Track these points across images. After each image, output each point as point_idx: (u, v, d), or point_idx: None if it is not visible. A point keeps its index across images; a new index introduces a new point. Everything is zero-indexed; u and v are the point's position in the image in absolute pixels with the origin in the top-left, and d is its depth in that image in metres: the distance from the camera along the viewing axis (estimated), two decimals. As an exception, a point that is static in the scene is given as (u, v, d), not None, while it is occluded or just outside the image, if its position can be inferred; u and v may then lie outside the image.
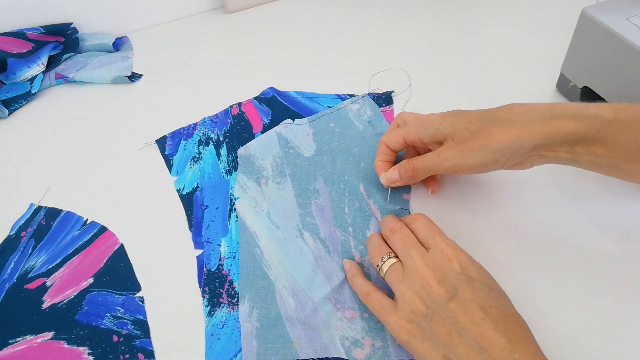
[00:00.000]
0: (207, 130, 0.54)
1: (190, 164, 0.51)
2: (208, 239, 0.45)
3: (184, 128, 0.55)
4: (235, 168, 0.50)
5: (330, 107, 0.55)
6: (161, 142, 0.54)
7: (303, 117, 0.54)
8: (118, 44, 0.68)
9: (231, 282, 0.42)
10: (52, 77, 0.64)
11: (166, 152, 0.53)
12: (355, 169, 0.47)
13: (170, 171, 0.51)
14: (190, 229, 0.46)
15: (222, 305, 0.40)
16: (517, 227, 0.43)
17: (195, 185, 0.49)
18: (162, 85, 0.62)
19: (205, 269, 0.43)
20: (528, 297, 0.38)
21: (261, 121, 0.54)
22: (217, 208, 0.47)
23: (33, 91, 0.61)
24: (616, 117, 0.35)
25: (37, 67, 0.63)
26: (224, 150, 0.52)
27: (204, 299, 0.41)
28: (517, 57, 0.60)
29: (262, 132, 0.53)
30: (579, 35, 0.48)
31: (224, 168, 0.50)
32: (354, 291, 0.39)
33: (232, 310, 0.40)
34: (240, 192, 0.47)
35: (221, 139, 0.53)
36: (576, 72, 0.51)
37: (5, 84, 0.63)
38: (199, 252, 0.44)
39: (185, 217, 0.47)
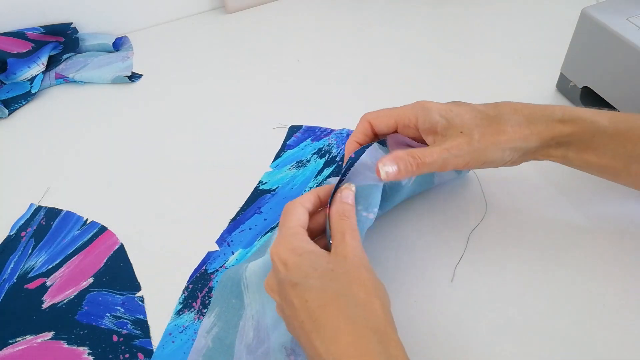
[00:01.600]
0: (335, 142, 0.52)
1: (292, 166, 0.50)
2: (231, 241, 0.44)
3: (320, 128, 0.53)
4: None
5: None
6: (292, 130, 0.53)
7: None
8: (118, 44, 0.68)
9: (210, 289, 0.41)
10: (52, 77, 0.64)
11: (288, 142, 0.52)
12: None
13: (273, 160, 0.51)
14: (229, 222, 0.45)
15: (192, 310, 0.40)
16: (517, 228, 0.43)
17: (275, 187, 0.48)
18: (162, 85, 0.62)
19: (203, 268, 0.42)
20: (528, 297, 0.38)
21: None
22: (265, 219, 0.46)
23: (33, 91, 0.61)
24: (611, 124, 0.36)
25: (37, 67, 0.63)
26: (327, 171, 0.49)
27: (181, 295, 0.41)
28: (517, 57, 0.60)
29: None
30: (579, 35, 0.48)
31: (309, 188, 0.48)
32: None
33: (197, 320, 0.39)
34: None
35: (337, 159, 0.50)
36: (576, 72, 0.51)
37: (5, 84, 0.63)
38: (215, 248, 0.44)
39: (222, 218, 0.46)
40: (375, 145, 0.40)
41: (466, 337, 0.36)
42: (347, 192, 0.37)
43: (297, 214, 0.36)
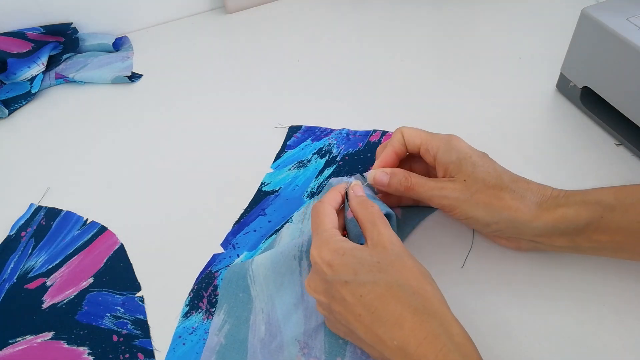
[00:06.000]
0: (335, 142, 0.52)
1: (292, 167, 0.50)
2: (237, 243, 0.44)
3: (320, 128, 0.53)
4: (319, 193, 0.47)
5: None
6: (292, 131, 0.53)
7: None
8: (118, 44, 0.69)
9: (215, 288, 0.41)
10: (52, 77, 0.64)
11: (288, 142, 0.52)
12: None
13: (274, 161, 0.51)
14: (233, 224, 0.45)
15: (199, 310, 0.40)
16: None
17: (277, 188, 0.48)
18: (162, 85, 0.62)
19: (209, 269, 0.42)
20: (527, 297, 0.38)
21: None
22: (269, 221, 0.46)
23: (33, 91, 0.61)
24: (617, 200, 0.35)
25: (37, 67, 0.63)
26: (328, 171, 0.49)
27: (187, 297, 0.41)
28: (517, 57, 0.60)
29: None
30: (579, 35, 0.48)
31: (311, 189, 0.48)
32: (327, 340, 0.37)
33: (206, 319, 0.39)
34: (298, 218, 0.45)
35: (338, 159, 0.50)
36: (576, 72, 0.51)
37: (5, 84, 0.63)
38: (220, 251, 0.44)
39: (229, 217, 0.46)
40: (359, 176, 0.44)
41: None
42: (358, 188, 0.39)
43: (328, 214, 0.36)
